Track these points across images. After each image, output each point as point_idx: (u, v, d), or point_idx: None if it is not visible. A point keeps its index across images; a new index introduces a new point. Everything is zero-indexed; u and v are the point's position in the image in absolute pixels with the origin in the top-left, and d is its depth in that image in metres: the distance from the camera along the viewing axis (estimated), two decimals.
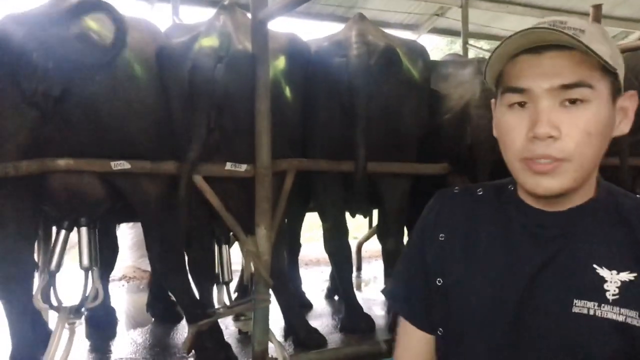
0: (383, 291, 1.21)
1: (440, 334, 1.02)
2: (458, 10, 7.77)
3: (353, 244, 4.49)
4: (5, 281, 2.79)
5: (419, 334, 1.08)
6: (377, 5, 7.62)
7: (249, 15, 3.08)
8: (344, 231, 3.73)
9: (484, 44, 10.27)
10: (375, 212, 4.49)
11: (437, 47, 17.30)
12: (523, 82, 0.86)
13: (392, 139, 3.43)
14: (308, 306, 4.45)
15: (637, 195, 0.95)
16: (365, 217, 4.28)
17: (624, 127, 0.90)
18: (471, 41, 8.03)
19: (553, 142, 0.83)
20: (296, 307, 3.63)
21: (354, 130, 3.22)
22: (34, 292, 2.86)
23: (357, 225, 6.62)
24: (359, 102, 3.22)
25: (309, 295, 4.64)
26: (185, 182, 2.87)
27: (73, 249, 3.35)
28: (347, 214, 4.01)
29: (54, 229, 3.04)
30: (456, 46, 17.17)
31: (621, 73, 0.87)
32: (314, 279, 5.75)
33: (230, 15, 3.21)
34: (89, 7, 2.70)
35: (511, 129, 0.88)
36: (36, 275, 3.07)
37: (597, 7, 3.73)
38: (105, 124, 2.75)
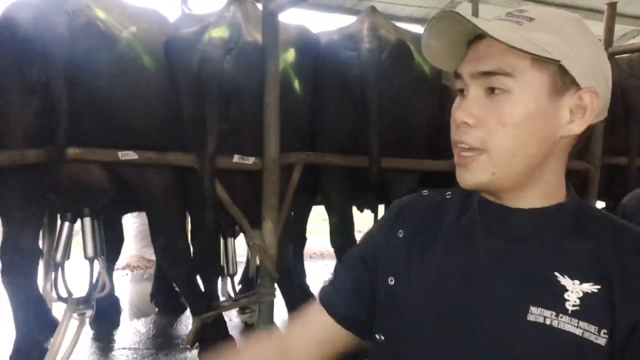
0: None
1: (380, 339, 0.92)
2: (468, 5, 7.69)
3: (358, 237, 4.47)
4: (10, 269, 2.79)
5: (324, 318, 0.97)
6: None
7: (259, 6, 3.05)
8: (351, 226, 3.71)
9: None
10: (381, 207, 4.47)
11: None
12: (460, 68, 0.84)
13: (402, 135, 3.39)
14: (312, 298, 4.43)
15: (606, 212, 0.89)
16: (372, 211, 4.24)
17: (575, 127, 0.80)
18: None
19: (468, 130, 0.80)
20: (301, 302, 3.61)
21: (367, 125, 3.19)
22: (41, 282, 2.85)
23: (362, 219, 6.59)
24: (371, 97, 3.19)
25: (313, 289, 4.63)
26: (208, 177, 2.85)
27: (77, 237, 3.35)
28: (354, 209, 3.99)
29: (59, 219, 3.03)
30: None
31: (572, 63, 0.77)
32: (318, 271, 5.74)
33: (240, 7, 3.18)
34: None
35: (452, 114, 0.84)
36: (40, 263, 3.07)
37: (612, 5, 3.69)
38: (111, 114, 2.72)
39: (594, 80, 0.80)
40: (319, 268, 6.01)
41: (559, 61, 0.76)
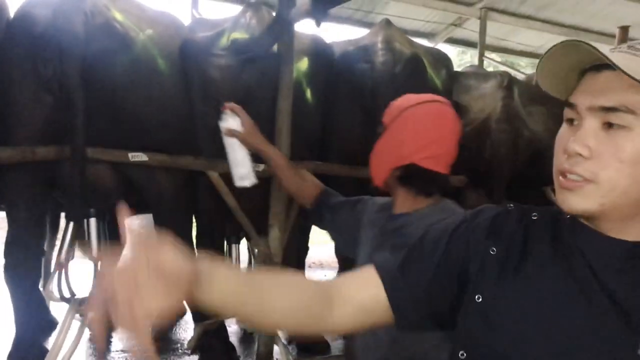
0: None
1: (462, 357, 0.91)
2: (476, 21, 7.74)
3: None
4: (13, 267, 2.76)
5: (380, 293, 0.95)
6: (395, 11, 7.58)
7: (274, 14, 3.05)
8: None
9: (495, 56, 10.25)
10: None
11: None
12: (574, 98, 0.83)
13: None
14: None
15: None
16: None
17: None
18: (487, 54, 8.00)
19: (582, 161, 0.79)
20: None
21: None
22: (44, 282, 2.82)
23: None
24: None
25: None
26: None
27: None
28: None
29: (63, 218, 3.00)
30: (467, 56, 17.20)
31: None
32: None
33: (256, 13, 3.18)
34: None
35: (558, 141, 0.84)
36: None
37: (624, 29, 3.72)
38: (123, 115, 2.71)
39: None
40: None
41: None
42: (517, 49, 9.00)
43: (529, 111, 3.74)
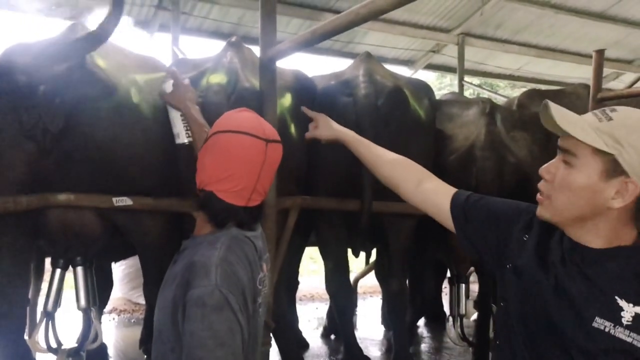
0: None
1: (502, 305, 1.30)
2: (454, 47, 7.88)
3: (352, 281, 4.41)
4: None
5: (447, 213, 1.47)
6: (374, 40, 7.70)
7: (255, 51, 3.06)
8: (346, 271, 3.67)
9: (474, 80, 10.42)
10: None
11: (427, 81, 17.49)
12: (561, 138, 1.18)
13: None
14: (304, 345, 4.34)
15: None
16: (366, 255, 4.23)
17: (615, 203, 1.10)
18: (466, 78, 8.12)
19: (546, 182, 1.19)
20: (295, 352, 3.53)
21: (361, 169, 3.18)
22: (29, 332, 2.74)
23: (352, 260, 6.54)
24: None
25: (305, 333, 4.54)
26: None
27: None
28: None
29: (47, 265, 2.93)
30: (446, 80, 17.46)
31: (626, 157, 1.06)
32: (310, 315, 5.64)
33: (237, 52, 3.19)
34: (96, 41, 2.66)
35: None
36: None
37: (600, 52, 3.78)
38: (107, 161, 2.68)
39: None
40: (310, 311, 5.91)
41: (613, 155, 1.07)
42: (495, 72, 9.17)
43: (513, 137, 3.77)
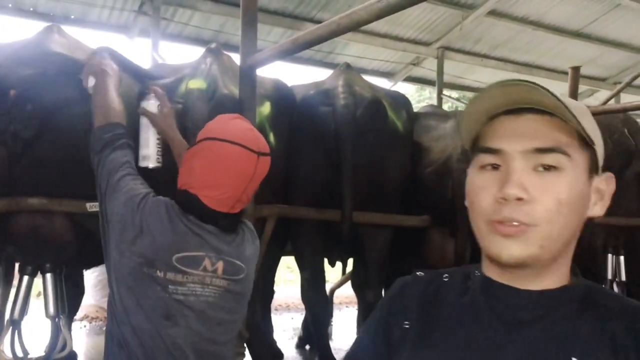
0: None
1: None
2: (433, 60, 7.97)
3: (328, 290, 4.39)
4: None
5: None
6: (354, 52, 7.75)
7: (234, 58, 3.05)
8: (322, 281, 3.66)
9: (453, 93, 10.55)
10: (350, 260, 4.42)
11: (407, 93, 17.66)
12: (497, 143, 0.81)
13: (376, 190, 3.41)
14: (279, 356, 4.30)
15: (619, 294, 0.89)
16: (343, 265, 4.22)
17: (599, 209, 0.83)
18: (445, 91, 8.22)
19: (521, 205, 0.77)
20: None
21: (341, 180, 3.19)
22: None
23: (329, 270, 6.53)
24: (346, 152, 3.20)
25: (280, 344, 4.50)
26: None
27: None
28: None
29: (17, 272, 2.86)
30: (425, 92, 17.64)
31: (600, 151, 0.82)
32: (285, 325, 5.60)
33: (217, 59, 3.18)
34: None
35: (480, 189, 0.81)
36: None
37: (575, 69, 3.86)
38: (81, 166, 2.63)
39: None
40: (286, 321, 5.87)
41: (594, 145, 0.80)
42: (474, 86, 9.29)
43: None
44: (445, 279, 0.92)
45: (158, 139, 2.03)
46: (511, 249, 0.78)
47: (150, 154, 2.02)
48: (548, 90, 0.76)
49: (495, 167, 0.81)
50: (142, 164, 2.00)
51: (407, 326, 0.89)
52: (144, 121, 2.02)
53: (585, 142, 0.79)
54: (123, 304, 1.49)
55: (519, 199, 0.77)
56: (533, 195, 0.77)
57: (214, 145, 1.47)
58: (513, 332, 0.79)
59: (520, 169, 0.78)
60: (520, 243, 0.77)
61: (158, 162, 2.03)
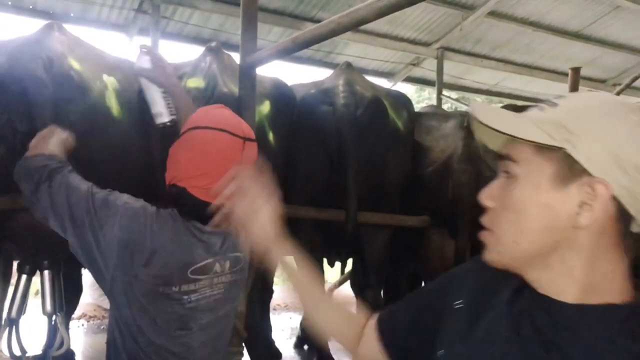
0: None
1: None
2: (433, 61, 7.96)
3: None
4: None
5: (375, 344, 1.03)
6: (354, 52, 7.73)
7: (234, 56, 3.04)
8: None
9: (453, 94, 10.55)
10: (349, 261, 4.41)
11: (406, 94, 17.66)
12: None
13: (377, 189, 3.40)
14: (277, 356, 4.29)
15: None
16: (342, 265, 4.20)
17: (582, 219, 0.73)
18: (444, 92, 8.21)
19: (489, 212, 0.81)
20: None
21: (345, 179, 3.18)
22: None
23: (328, 270, 6.51)
24: (349, 151, 3.20)
25: (278, 343, 4.49)
26: None
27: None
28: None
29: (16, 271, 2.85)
30: (425, 93, 17.64)
31: (589, 153, 0.72)
32: (284, 324, 5.59)
33: (216, 57, 3.17)
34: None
35: None
36: None
37: (576, 70, 3.85)
38: (81, 163, 2.62)
39: (614, 170, 0.71)
40: (284, 320, 5.86)
41: (563, 149, 0.73)
42: (473, 87, 9.28)
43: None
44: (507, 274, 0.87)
45: (163, 92, 1.93)
46: (484, 254, 0.83)
47: (161, 110, 1.93)
48: (475, 116, 0.79)
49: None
50: (158, 121, 1.92)
51: (457, 306, 0.90)
52: (144, 81, 1.94)
53: (550, 147, 0.74)
54: (136, 323, 1.47)
55: (487, 206, 0.82)
56: (497, 202, 0.80)
57: (197, 134, 1.44)
58: (551, 344, 0.75)
59: (499, 177, 0.82)
60: (487, 250, 0.82)
61: (172, 115, 1.92)
